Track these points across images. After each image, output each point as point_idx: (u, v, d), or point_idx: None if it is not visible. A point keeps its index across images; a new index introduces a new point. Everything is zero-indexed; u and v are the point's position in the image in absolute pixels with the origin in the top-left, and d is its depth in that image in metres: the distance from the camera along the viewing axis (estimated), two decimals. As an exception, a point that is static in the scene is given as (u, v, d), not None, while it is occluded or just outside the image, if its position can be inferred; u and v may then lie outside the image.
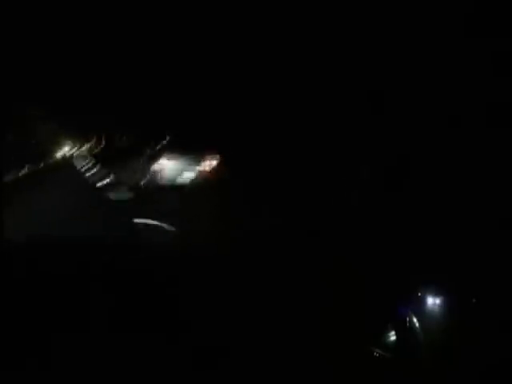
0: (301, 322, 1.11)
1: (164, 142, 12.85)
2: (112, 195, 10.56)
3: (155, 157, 12.05)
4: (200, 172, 11.75)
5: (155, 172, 11.82)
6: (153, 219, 6.45)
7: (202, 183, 11.58)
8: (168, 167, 11.82)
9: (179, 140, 12.78)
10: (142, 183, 12.11)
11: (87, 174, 15.90)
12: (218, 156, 12.00)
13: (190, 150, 11.93)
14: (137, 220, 6.33)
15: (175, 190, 11.38)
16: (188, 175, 11.70)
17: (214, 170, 11.90)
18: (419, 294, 1.05)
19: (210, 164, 11.88)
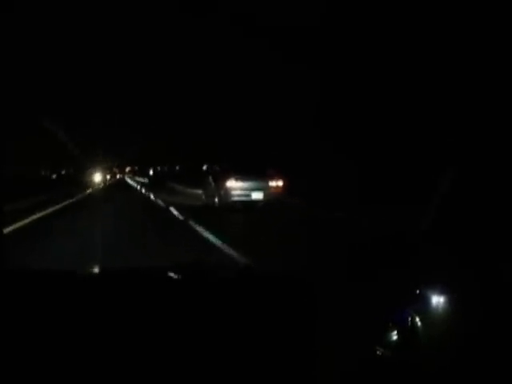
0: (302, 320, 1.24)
1: (230, 164, 13.32)
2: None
3: (223, 178, 12.40)
4: (267, 192, 12.17)
5: (225, 193, 12.28)
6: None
7: (270, 204, 12.02)
8: (236, 188, 12.21)
9: (246, 163, 13.33)
10: (215, 202, 12.69)
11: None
12: (282, 178, 12.51)
13: (257, 172, 12.41)
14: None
15: (244, 210, 11.90)
16: (256, 196, 12.15)
17: (280, 191, 12.36)
18: (417, 292, 1.14)
19: (276, 186, 12.36)
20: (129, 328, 1.20)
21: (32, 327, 1.18)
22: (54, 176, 48.04)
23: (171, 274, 1.73)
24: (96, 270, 2.38)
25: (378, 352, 1.16)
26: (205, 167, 15.00)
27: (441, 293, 1.26)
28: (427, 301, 1.26)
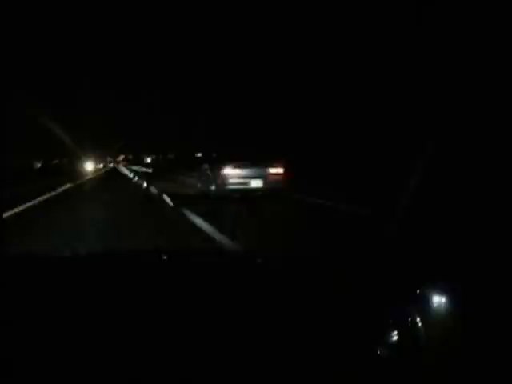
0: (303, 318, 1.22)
1: (227, 151, 12.97)
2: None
3: (220, 165, 12.00)
4: (267, 180, 11.80)
5: (222, 181, 11.85)
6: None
7: (271, 192, 11.75)
8: (234, 175, 11.78)
9: (245, 149, 12.89)
10: (211, 192, 12.26)
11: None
12: (283, 164, 12.13)
13: (257, 159, 11.97)
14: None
15: (243, 199, 11.59)
16: (255, 184, 11.81)
17: (281, 179, 11.99)
18: (418, 292, 1.13)
19: (276, 173, 12.00)
20: (120, 314, 1.20)
21: (29, 313, 1.18)
22: (39, 165, 47.23)
23: (159, 258, 1.75)
24: (81, 254, 2.39)
25: (378, 352, 1.17)
26: (200, 154, 14.70)
27: (441, 293, 1.27)
28: (427, 301, 1.26)
